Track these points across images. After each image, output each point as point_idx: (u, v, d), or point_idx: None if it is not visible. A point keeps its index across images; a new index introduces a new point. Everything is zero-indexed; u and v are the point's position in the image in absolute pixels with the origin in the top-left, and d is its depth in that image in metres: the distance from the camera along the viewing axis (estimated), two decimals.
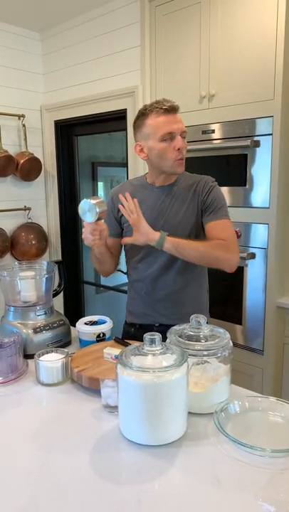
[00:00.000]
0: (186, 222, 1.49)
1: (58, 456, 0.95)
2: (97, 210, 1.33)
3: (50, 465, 0.92)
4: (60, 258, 3.39)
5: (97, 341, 1.48)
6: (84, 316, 1.63)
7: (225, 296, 2.32)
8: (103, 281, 3.50)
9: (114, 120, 2.89)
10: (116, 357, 1.27)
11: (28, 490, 0.85)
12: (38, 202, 3.40)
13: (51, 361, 1.27)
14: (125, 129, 2.74)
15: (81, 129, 3.29)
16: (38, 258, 3.32)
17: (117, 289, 3.33)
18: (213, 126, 2.25)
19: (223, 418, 1.02)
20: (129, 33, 2.57)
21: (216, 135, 2.25)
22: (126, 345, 1.40)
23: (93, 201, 1.33)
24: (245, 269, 2.21)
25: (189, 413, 1.05)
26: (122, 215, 1.54)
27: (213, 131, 2.25)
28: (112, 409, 1.10)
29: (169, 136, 1.39)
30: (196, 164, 2.35)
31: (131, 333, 1.65)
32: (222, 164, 2.24)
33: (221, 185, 2.24)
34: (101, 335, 1.49)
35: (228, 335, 1.13)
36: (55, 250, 3.49)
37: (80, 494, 0.83)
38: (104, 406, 1.12)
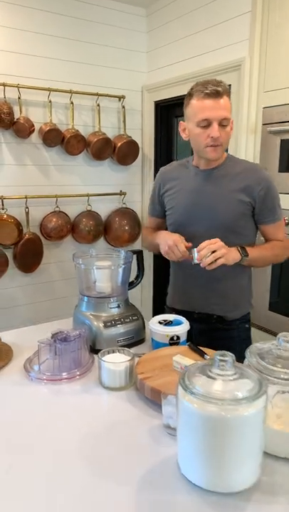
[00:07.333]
0: (227, 210, 1.42)
1: (100, 482, 0.82)
2: None
3: (89, 492, 0.80)
4: None
5: (170, 344, 1.32)
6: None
7: None
8: None
9: None
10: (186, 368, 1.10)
11: None
12: (134, 187, 3.31)
13: (114, 363, 1.14)
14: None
15: (181, 110, 3.09)
16: (130, 244, 3.26)
17: None
18: None
19: None
20: None
21: None
22: (201, 354, 1.22)
23: None
24: None
25: (265, 454, 0.84)
26: (165, 196, 1.57)
27: None
28: (173, 431, 0.94)
29: (205, 123, 1.34)
30: None
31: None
32: None
33: None
34: (174, 338, 1.32)
35: None
36: None
37: None
38: (165, 426, 0.97)
